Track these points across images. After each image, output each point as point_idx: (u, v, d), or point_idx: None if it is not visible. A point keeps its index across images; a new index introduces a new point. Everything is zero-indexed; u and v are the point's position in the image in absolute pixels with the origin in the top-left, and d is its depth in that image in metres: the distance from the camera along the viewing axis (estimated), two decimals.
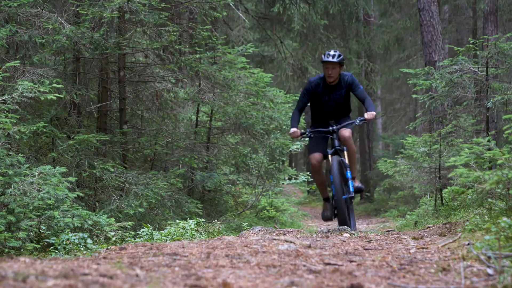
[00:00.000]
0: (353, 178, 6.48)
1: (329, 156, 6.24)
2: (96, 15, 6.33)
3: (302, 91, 6.65)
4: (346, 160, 6.28)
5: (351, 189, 6.19)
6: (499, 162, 4.35)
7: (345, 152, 6.30)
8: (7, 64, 5.07)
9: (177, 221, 5.65)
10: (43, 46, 6.23)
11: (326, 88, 6.46)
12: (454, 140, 7.65)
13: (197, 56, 7.67)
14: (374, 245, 3.93)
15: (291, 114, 9.17)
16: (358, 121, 6.32)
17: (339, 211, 5.97)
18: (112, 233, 4.66)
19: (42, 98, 4.92)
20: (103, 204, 6.15)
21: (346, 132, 6.34)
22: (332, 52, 6.36)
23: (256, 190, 9.77)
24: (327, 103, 6.52)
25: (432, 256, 3.26)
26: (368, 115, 6.27)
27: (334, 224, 10.66)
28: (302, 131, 6.53)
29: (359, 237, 4.69)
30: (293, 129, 6.41)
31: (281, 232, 4.51)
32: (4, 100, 4.77)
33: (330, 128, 6.42)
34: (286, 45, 15.02)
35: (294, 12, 13.43)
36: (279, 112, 8.91)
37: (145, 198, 6.21)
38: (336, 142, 6.31)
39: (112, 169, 6.20)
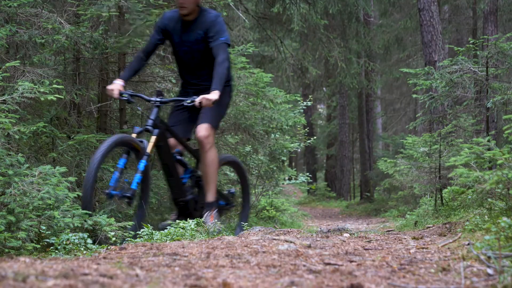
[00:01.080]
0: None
1: (133, 134, 4.43)
2: (94, 15, 6.33)
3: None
4: (149, 149, 4.39)
5: (133, 186, 4.48)
6: (499, 162, 4.35)
7: (154, 137, 4.44)
8: (7, 64, 5.07)
9: (177, 221, 5.65)
10: (43, 46, 6.23)
11: (181, 26, 4.57)
12: (454, 140, 7.65)
13: None
14: (374, 245, 3.93)
15: (291, 114, 9.10)
16: (186, 102, 4.46)
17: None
18: (112, 233, 4.66)
19: (42, 99, 4.92)
20: (103, 204, 6.14)
21: (201, 129, 4.51)
22: None
23: (256, 190, 9.76)
24: (180, 47, 4.63)
25: (432, 256, 3.26)
26: (202, 98, 4.29)
27: (333, 224, 10.68)
28: (123, 91, 4.52)
29: (359, 237, 4.70)
30: (116, 83, 4.50)
31: (281, 232, 4.51)
32: (4, 100, 4.77)
33: (152, 98, 4.52)
34: (286, 45, 15.02)
35: (294, 12, 13.43)
36: (279, 113, 8.90)
37: None
38: (149, 121, 4.45)
39: (112, 169, 6.20)
